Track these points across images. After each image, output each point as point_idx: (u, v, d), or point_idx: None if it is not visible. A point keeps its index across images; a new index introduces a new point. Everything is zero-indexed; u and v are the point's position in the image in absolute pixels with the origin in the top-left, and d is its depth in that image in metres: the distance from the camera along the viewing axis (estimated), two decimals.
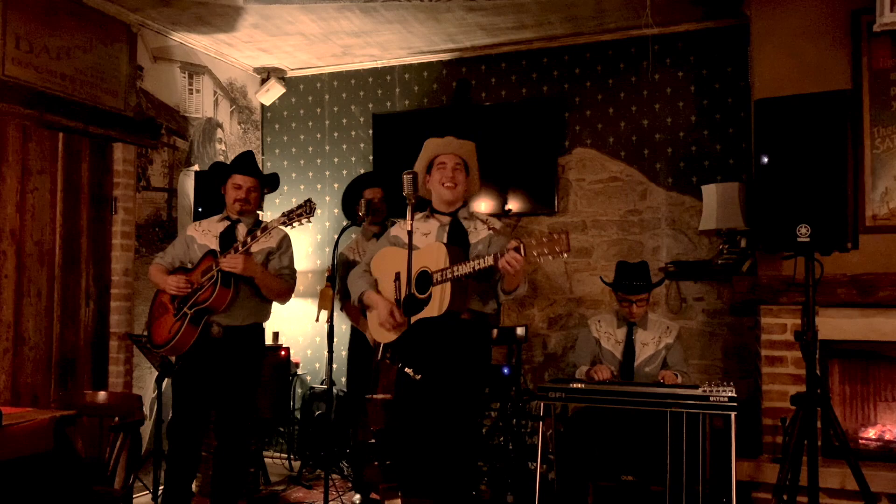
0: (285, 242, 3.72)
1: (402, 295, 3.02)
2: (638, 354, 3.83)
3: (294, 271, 3.75)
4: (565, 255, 2.68)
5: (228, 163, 3.88)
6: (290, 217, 3.39)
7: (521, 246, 2.73)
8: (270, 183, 3.83)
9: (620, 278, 3.86)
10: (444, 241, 3.12)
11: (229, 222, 3.69)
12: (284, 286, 3.68)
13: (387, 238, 3.35)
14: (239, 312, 3.57)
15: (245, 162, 3.74)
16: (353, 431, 4.52)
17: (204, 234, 3.69)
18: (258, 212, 3.65)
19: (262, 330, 3.77)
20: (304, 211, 3.37)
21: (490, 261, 2.83)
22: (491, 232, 3.16)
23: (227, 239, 3.62)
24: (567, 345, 4.90)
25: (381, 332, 3.18)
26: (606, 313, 4.08)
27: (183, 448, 3.59)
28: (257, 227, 3.61)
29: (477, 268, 2.86)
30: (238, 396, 3.61)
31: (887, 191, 3.75)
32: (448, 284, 2.93)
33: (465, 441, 3.09)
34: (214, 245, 3.61)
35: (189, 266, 3.65)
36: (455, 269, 2.90)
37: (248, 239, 3.45)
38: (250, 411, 3.72)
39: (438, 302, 2.95)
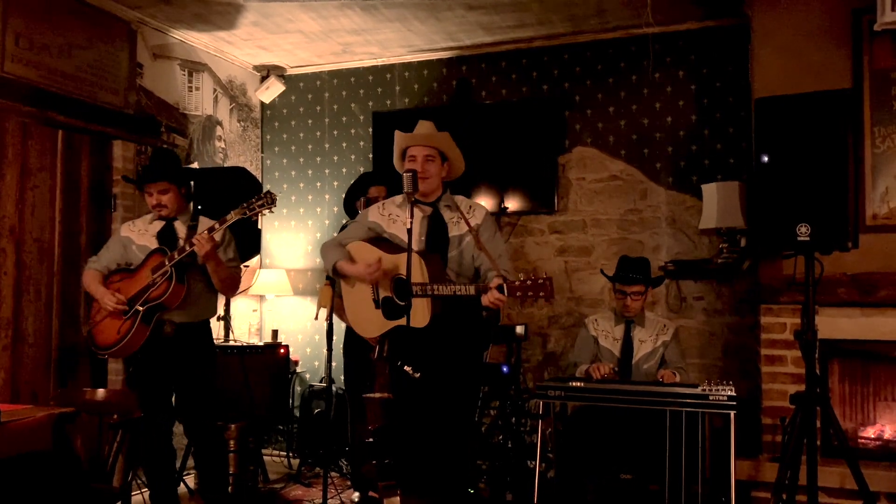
0: (227, 235, 3.65)
1: (380, 297, 3.06)
2: (636, 351, 3.84)
3: (240, 263, 3.76)
4: (549, 301, 2.74)
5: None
6: (251, 207, 3.37)
7: (504, 286, 2.75)
8: (176, 178, 3.67)
9: (619, 270, 3.87)
10: (425, 235, 3.07)
11: (164, 222, 3.64)
12: (235, 276, 3.68)
13: (363, 222, 3.26)
14: (191, 309, 3.56)
15: (149, 169, 3.69)
16: (350, 430, 4.52)
17: (141, 235, 3.64)
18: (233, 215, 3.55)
19: (210, 326, 3.76)
20: (266, 202, 3.36)
21: (472, 290, 2.86)
22: (469, 227, 3.06)
23: (167, 238, 3.58)
24: (567, 343, 4.90)
25: (361, 324, 3.17)
26: (604, 311, 4.09)
27: (158, 449, 3.59)
28: (195, 222, 3.60)
29: (458, 293, 2.88)
30: (199, 394, 3.60)
31: (888, 190, 3.75)
32: (429, 298, 2.92)
33: (461, 438, 3.08)
34: (154, 245, 3.56)
35: (131, 267, 3.59)
36: (436, 287, 2.89)
37: (216, 225, 3.42)
38: (213, 406, 3.71)
39: (422, 314, 2.93)
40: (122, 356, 3.54)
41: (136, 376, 3.61)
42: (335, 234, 4.07)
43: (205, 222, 3.62)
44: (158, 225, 3.64)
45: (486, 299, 2.80)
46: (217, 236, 3.46)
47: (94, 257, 3.72)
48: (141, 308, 3.44)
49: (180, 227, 3.62)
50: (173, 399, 3.69)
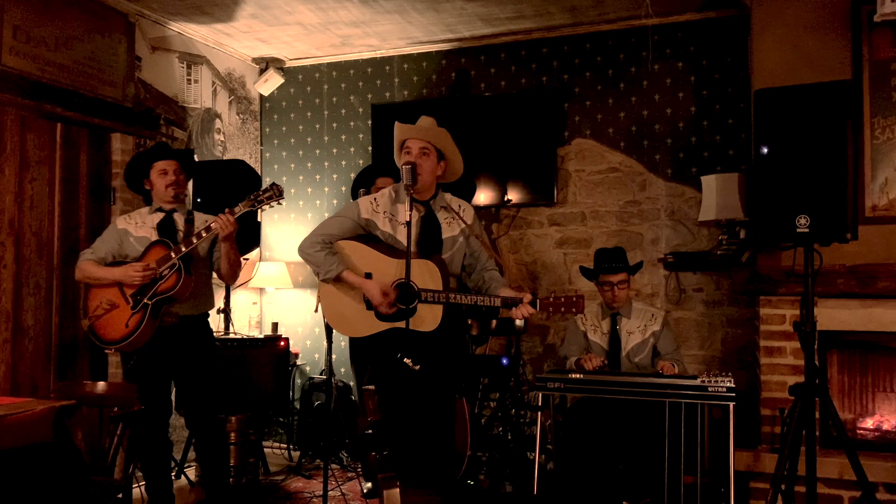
0: None
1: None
2: (624, 344, 3.83)
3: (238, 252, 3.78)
4: (581, 314, 2.99)
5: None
6: (259, 199, 3.37)
7: (537, 301, 2.90)
8: (190, 164, 3.75)
9: (600, 263, 3.88)
10: (419, 236, 3.01)
11: (163, 213, 3.60)
12: (240, 263, 3.69)
13: (353, 217, 3.12)
14: (194, 301, 3.56)
15: (163, 147, 3.72)
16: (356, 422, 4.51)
17: (139, 227, 3.59)
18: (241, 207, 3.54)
19: (209, 318, 3.76)
20: (273, 194, 3.35)
21: (497, 302, 2.95)
22: (464, 226, 3.06)
23: (167, 230, 3.55)
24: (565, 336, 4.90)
25: (344, 323, 3.11)
26: (591, 306, 4.08)
27: (153, 441, 3.58)
28: (191, 216, 3.59)
29: (480, 304, 2.95)
30: (200, 386, 3.60)
31: (887, 181, 3.75)
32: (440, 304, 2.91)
33: (450, 427, 3.09)
34: (154, 236, 3.53)
35: (127, 260, 3.52)
36: (453, 296, 2.92)
37: (240, 206, 3.40)
38: (214, 397, 3.70)
39: (432, 318, 2.93)
40: (131, 349, 3.47)
41: (137, 368, 3.56)
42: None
43: (200, 217, 3.62)
44: (157, 216, 3.61)
45: (517, 313, 2.92)
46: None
47: (89, 249, 3.64)
48: (150, 302, 3.41)
49: (179, 220, 3.61)
50: (173, 391, 3.69)
